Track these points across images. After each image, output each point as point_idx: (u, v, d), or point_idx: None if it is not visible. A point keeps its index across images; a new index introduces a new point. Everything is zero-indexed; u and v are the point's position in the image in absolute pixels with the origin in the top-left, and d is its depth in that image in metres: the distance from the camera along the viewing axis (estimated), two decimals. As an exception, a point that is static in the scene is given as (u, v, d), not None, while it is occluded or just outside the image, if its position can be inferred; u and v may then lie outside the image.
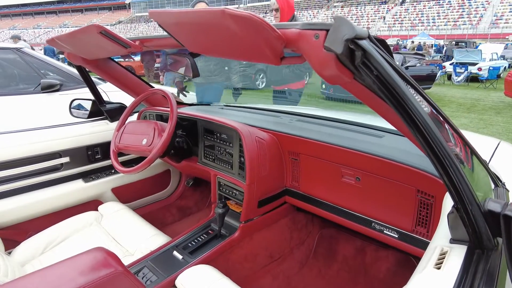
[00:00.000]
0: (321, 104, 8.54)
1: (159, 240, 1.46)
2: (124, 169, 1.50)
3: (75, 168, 1.81)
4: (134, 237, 1.50)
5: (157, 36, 1.14)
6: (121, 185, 1.96)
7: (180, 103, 2.11)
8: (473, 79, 11.69)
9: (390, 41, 26.46)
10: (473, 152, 0.84)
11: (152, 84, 1.92)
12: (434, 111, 0.69)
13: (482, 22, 35.34)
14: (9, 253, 1.42)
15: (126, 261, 1.33)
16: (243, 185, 1.38)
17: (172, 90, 3.03)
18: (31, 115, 2.95)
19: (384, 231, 1.22)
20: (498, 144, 1.45)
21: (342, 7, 48.09)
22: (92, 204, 1.86)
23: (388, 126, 1.50)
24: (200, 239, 1.43)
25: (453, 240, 0.70)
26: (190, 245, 1.40)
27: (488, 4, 37.34)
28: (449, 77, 12.41)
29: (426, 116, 0.56)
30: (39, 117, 2.88)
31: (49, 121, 1.91)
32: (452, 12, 38.82)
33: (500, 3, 36.80)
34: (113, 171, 1.95)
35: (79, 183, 1.82)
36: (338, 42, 0.51)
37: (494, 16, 35.51)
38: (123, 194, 1.98)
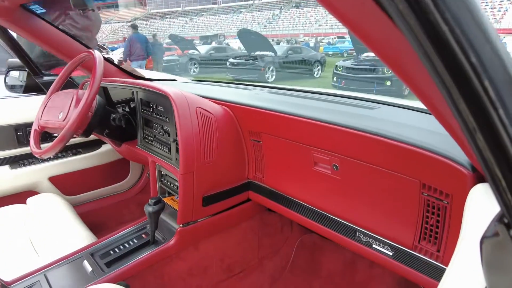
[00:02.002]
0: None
1: (79, 243, 1.11)
2: (37, 151, 1.16)
3: None
4: (55, 238, 1.16)
5: None
6: (61, 173, 1.61)
7: (139, 77, 1.74)
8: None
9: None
10: None
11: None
12: None
13: (507, 16, 33.74)
14: None
15: (25, 270, 0.98)
16: (176, 172, 1.00)
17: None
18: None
19: (373, 245, 0.82)
20: None
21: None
22: (24, 196, 1.52)
23: (385, 98, 1.09)
24: (127, 246, 1.06)
25: None
26: (112, 252, 1.04)
27: (514, -3, 35.60)
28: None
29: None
30: None
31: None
32: (475, 6, 37.24)
33: (527, -4, 35.04)
34: (52, 156, 1.60)
35: (4, 170, 1.48)
36: None
37: (521, 10, 33.82)
38: (65, 185, 1.63)
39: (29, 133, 1.54)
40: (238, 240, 1.23)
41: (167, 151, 1.11)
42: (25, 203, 1.41)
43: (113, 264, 1.00)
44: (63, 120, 1.09)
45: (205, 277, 1.15)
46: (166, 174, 1.17)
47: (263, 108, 1.00)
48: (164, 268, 1.06)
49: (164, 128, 1.12)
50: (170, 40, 16.69)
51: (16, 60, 2.93)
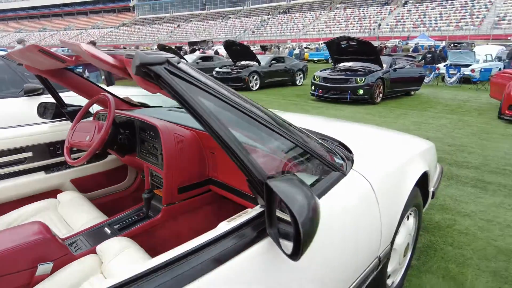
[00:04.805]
0: (309, 104, 8.82)
1: (99, 220, 1.74)
2: (71, 161, 1.78)
3: (37, 161, 2.09)
4: (80, 218, 1.78)
5: None
6: (80, 176, 2.24)
7: (134, 105, 2.38)
8: (468, 80, 11.86)
9: (391, 43, 26.54)
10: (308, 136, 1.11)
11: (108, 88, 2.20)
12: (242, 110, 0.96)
13: (485, 23, 35.19)
14: None
15: (67, 235, 1.61)
16: (161, 172, 1.65)
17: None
18: (12, 116, 3.26)
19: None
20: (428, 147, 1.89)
21: (344, 8, 48.15)
22: (53, 193, 2.14)
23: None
24: (130, 220, 1.70)
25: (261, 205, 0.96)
26: (121, 224, 1.68)
27: (491, 4, 37.17)
28: (443, 79, 12.54)
29: (213, 118, 0.83)
30: (18, 117, 3.19)
31: (27, 121, 2.21)
32: (455, 13, 38.68)
33: (503, 3, 36.60)
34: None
35: (41, 175, 2.10)
36: (133, 67, 0.78)
37: (497, 16, 35.32)
38: (82, 185, 2.26)
39: (58, 148, 2.17)
40: (202, 218, 1.88)
41: (156, 160, 1.75)
42: (55, 197, 2.03)
43: (122, 230, 1.63)
44: (90, 141, 1.73)
45: (179, 239, 1.79)
46: (155, 175, 1.81)
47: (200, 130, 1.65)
48: (154, 233, 1.70)
49: (155, 145, 1.77)
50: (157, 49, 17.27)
51: (30, 85, 3.55)
